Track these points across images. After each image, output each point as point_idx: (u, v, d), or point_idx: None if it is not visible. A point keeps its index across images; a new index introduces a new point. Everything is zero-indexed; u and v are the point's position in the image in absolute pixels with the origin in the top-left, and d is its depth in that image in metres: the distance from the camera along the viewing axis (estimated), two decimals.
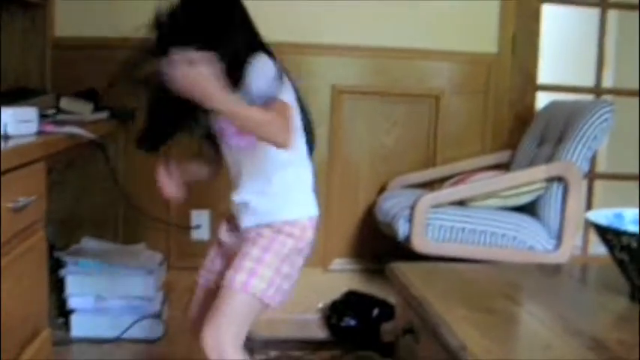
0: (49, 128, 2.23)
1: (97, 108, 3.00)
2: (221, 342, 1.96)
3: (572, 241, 3.04)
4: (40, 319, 2.13)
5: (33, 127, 2.13)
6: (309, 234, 2.11)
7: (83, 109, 2.89)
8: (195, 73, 1.77)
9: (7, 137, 1.96)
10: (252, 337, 2.97)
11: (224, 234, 2.25)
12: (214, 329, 1.97)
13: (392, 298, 2.89)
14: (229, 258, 2.15)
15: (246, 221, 2.13)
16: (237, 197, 2.14)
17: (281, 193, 2.10)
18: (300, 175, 2.15)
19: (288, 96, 2.01)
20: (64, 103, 2.86)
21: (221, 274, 2.12)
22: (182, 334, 3.07)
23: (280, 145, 1.92)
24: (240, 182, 2.12)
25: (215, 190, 2.94)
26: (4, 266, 1.79)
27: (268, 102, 1.93)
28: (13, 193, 1.81)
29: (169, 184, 2.16)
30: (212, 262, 2.27)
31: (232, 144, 2.09)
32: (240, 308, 2.00)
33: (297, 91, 2.09)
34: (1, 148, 1.82)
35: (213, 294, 2.09)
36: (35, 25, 3.23)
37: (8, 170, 1.77)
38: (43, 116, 2.44)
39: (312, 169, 2.19)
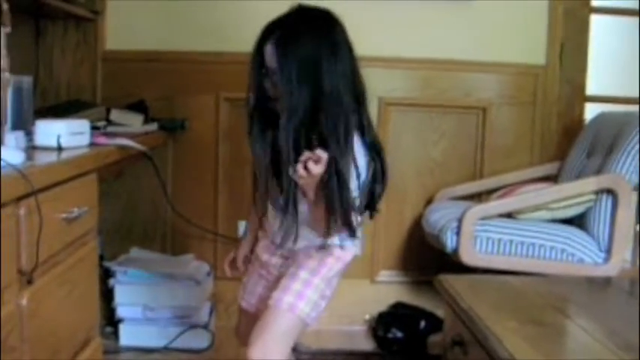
0: (101, 140, 2.27)
1: (147, 120, 3.05)
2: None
3: (622, 254, 2.99)
4: (91, 328, 2.16)
5: (85, 139, 2.17)
6: (349, 261, 2.12)
7: (133, 121, 2.94)
8: (312, 174, 1.84)
9: (60, 149, 2.00)
10: (299, 349, 2.99)
11: (265, 253, 2.23)
12: (261, 347, 1.97)
13: (439, 310, 2.88)
14: (273, 279, 2.17)
15: (295, 245, 2.08)
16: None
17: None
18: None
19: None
20: (115, 115, 2.91)
21: (263, 298, 2.14)
22: (229, 345, 3.10)
23: None
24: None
25: None
26: (57, 275, 1.82)
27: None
28: (66, 203, 1.84)
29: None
30: (254, 284, 2.27)
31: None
32: (286, 328, 2.00)
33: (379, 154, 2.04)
34: (56, 160, 1.87)
35: (257, 318, 2.08)
36: (86, 39, 3.32)
37: (62, 181, 1.80)
38: (94, 128, 2.48)
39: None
